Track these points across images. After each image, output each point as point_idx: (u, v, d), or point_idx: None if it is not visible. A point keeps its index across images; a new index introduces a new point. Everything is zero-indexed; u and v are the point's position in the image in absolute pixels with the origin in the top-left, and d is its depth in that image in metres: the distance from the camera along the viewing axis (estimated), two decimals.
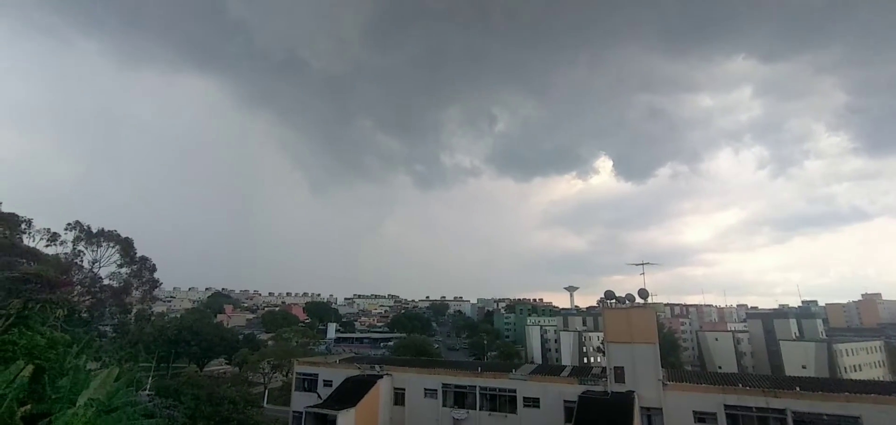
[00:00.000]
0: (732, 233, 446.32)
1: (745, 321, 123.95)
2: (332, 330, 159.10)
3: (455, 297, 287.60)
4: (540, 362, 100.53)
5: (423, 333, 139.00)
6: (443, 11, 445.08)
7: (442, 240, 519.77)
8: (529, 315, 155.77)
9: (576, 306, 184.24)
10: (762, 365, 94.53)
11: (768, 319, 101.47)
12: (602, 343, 43.74)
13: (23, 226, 44.46)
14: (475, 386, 30.80)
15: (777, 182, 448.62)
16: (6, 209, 43.60)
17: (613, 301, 29.82)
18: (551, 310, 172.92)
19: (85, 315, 47.18)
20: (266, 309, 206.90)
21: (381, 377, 32.37)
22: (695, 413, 25.03)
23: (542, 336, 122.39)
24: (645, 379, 26.38)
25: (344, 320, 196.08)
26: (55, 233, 46.62)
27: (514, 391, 29.56)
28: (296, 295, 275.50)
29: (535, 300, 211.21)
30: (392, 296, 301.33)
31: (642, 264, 31.75)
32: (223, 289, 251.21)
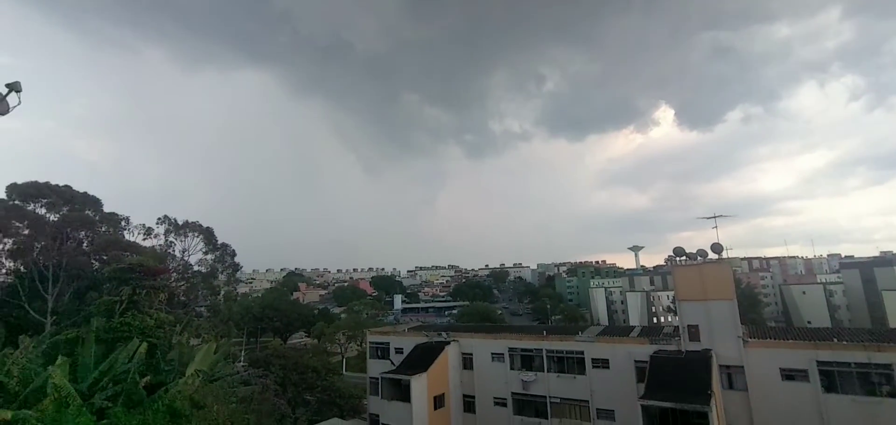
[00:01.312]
0: (819, 178, 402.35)
1: (838, 272, 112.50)
2: (398, 301, 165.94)
3: (514, 264, 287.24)
4: (606, 324, 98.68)
5: (484, 301, 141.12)
6: None
7: (497, 208, 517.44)
8: (593, 277, 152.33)
9: (642, 266, 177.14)
10: (861, 318, 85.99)
11: (867, 268, 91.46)
12: (673, 302, 42.13)
13: (122, 223, 50.44)
14: (541, 350, 31.14)
15: (874, 114, 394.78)
16: (107, 209, 49.72)
17: (683, 258, 28.51)
18: (616, 272, 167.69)
19: (182, 298, 53.06)
20: (336, 285, 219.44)
21: (448, 343, 33.66)
22: (782, 371, 23.64)
23: (607, 298, 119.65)
24: (722, 337, 25.26)
25: (408, 291, 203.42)
26: (149, 228, 52.34)
27: (582, 353, 29.55)
28: (361, 270, 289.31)
29: (597, 262, 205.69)
30: (452, 266, 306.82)
31: (713, 217, 29.89)
32: (296, 268, 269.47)
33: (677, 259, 28.66)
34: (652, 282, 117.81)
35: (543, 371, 30.70)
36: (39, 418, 17.42)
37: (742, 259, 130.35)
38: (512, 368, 31.92)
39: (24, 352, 24.16)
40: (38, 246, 40.15)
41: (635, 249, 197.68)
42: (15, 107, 5.31)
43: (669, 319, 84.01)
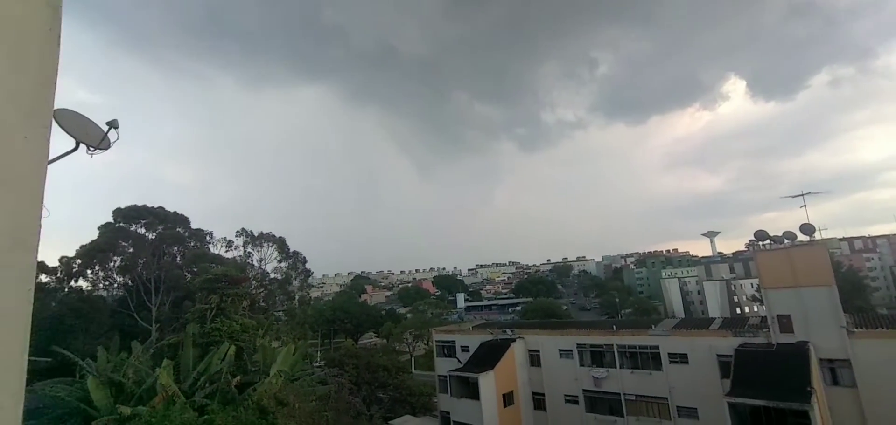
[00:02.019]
0: None
1: None
2: (461, 299, 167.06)
3: (578, 257, 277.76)
4: (682, 316, 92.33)
5: (548, 296, 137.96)
6: None
7: (556, 201, 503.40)
8: (664, 267, 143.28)
9: (719, 253, 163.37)
10: None
11: None
12: (758, 290, 38.50)
13: (207, 237, 55.49)
14: (612, 345, 29.87)
15: None
16: (193, 226, 54.93)
17: (767, 241, 25.96)
18: (689, 260, 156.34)
19: (262, 304, 57.32)
20: (400, 286, 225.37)
21: (513, 340, 33.35)
22: None
23: (681, 289, 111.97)
24: (821, 327, 22.68)
25: (470, 290, 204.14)
26: (230, 241, 57.04)
27: (657, 347, 27.93)
28: (423, 270, 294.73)
29: (668, 251, 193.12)
30: (513, 263, 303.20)
31: (801, 195, 26.90)
32: (362, 271, 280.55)
33: (760, 243, 26.17)
34: (732, 270, 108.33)
35: (615, 367, 29.42)
36: (152, 414, 19.69)
37: (841, 239, 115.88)
38: (581, 365, 30.93)
39: (137, 357, 27.44)
40: (141, 261, 45.32)
41: (711, 235, 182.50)
42: (115, 142, 5.98)
43: (755, 309, 76.84)
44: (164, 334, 38.89)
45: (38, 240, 1.28)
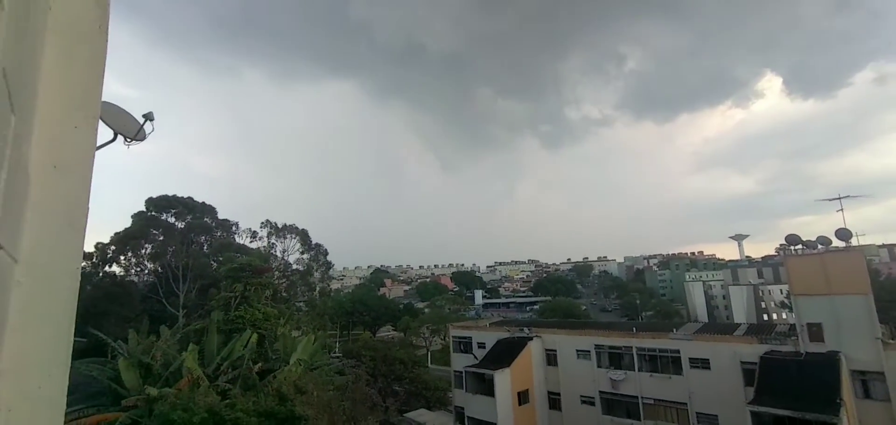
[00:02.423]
0: None
1: None
2: (478, 296, 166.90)
3: (599, 257, 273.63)
4: (705, 321, 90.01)
5: (567, 296, 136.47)
6: None
7: (579, 199, 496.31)
8: (688, 270, 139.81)
9: (747, 257, 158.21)
10: None
11: None
12: (787, 297, 37.25)
13: (233, 228, 57.09)
14: (631, 347, 29.40)
15: None
16: (220, 216, 56.53)
17: (799, 246, 25.04)
18: (715, 264, 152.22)
19: (284, 294, 58.69)
20: (418, 280, 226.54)
21: (530, 339, 33.20)
22: None
23: (706, 292, 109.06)
24: (855, 338, 21.78)
25: (488, 287, 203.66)
26: (255, 232, 58.55)
27: (678, 351, 27.36)
28: (442, 266, 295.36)
29: (693, 253, 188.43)
30: (532, 261, 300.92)
31: (838, 198, 25.82)
32: (381, 265, 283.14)
33: (791, 248, 25.27)
34: (760, 275, 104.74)
35: (634, 369, 28.96)
36: (177, 395, 20.45)
37: (880, 246, 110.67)
38: (599, 366, 30.56)
39: (164, 341, 28.52)
40: (171, 249, 46.92)
41: (738, 238, 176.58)
42: (150, 133, 6.19)
43: (784, 317, 74.27)
44: (190, 320, 40.26)
45: (86, 222, 1.38)
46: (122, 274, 48.12)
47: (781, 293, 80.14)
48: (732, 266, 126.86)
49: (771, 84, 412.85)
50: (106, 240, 46.49)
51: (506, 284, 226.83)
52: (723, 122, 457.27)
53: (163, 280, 44.78)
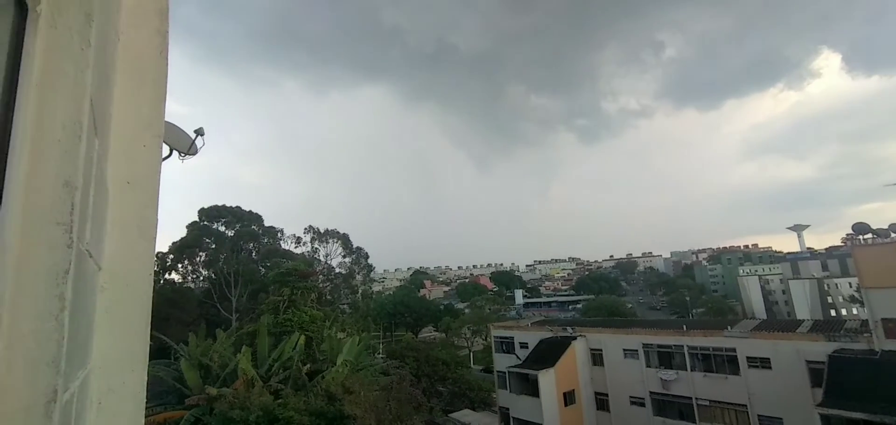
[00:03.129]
0: None
1: None
2: (519, 295, 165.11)
3: (643, 253, 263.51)
4: (763, 317, 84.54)
5: (611, 294, 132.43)
6: None
7: (619, 194, 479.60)
8: (741, 264, 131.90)
9: (808, 248, 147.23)
10: None
11: None
12: (857, 290, 34.42)
13: (279, 234, 59.53)
14: (682, 346, 28.10)
15: None
16: (266, 223, 59.12)
17: (869, 236, 23.04)
18: (772, 256, 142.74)
19: (328, 297, 60.56)
20: (458, 281, 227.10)
21: (574, 338, 32.47)
22: None
23: (763, 287, 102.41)
24: None
25: (528, 286, 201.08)
26: (299, 237, 60.84)
27: (734, 350, 25.87)
28: (481, 266, 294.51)
29: (746, 246, 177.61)
30: (573, 259, 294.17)
31: None
32: (421, 266, 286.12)
33: (860, 238, 23.29)
34: (824, 268, 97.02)
35: (686, 369, 27.66)
36: (234, 395, 21.58)
37: None
38: (648, 366, 29.43)
39: (220, 343, 30.19)
40: (222, 257, 49.62)
41: (798, 229, 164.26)
42: (201, 147, 6.52)
43: (855, 312, 68.54)
44: (242, 323, 42.35)
45: (156, 232, 1.51)
46: (180, 281, 51.38)
47: (850, 286, 74.00)
48: (792, 258, 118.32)
49: (828, 62, 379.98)
50: (165, 250, 49.78)
51: (546, 283, 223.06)
52: (774, 106, 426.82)
53: (216, 286, 47.41)
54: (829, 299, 79.09)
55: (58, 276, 0.68)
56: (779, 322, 37.98)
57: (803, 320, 35.25)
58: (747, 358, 25.24)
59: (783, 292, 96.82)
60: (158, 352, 34.10)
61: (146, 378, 1.53)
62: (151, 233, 1.50)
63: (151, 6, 1.39)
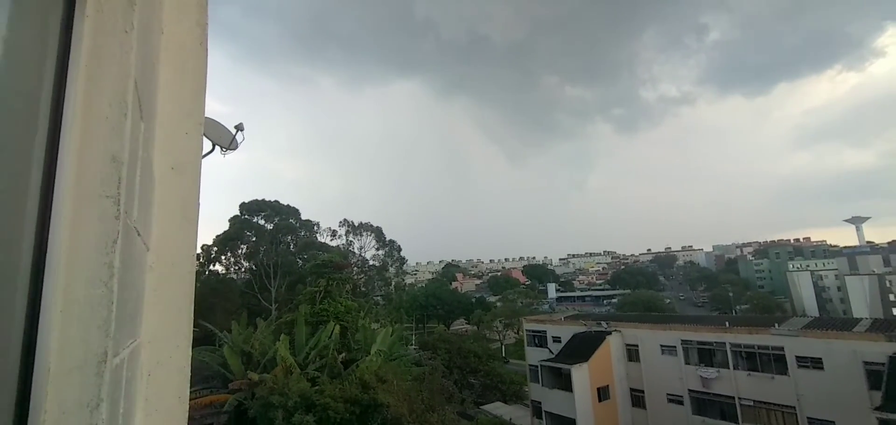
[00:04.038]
0: None
1: None
2: (552, 289, 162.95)
3: (683, 247, 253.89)
4: (815, 315, 79.60)
5: (648, 288, 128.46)
6: None
7: (658, 185, 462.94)
8: (791, 259, 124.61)
9: (867, 242, 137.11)
10: None
11: None
12: None
13: (315, 227, 61.28)
14: (724, 343, 26.92)
15: None
16: (303, 217, 60.90)
17: None
18: (826, 251, 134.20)
19: (362, 289, 61.90)
20: (489, 274, 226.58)
21: (609, 333, 31.76)
22: None
23: (815, 284, 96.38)
24: None
25: (562, 280, 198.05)
26: (334, 230, 62.50)
27: (782, 349, 24.53)
28: (513, 259, 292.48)
29: (796, 240, 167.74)
30: (608, 252, 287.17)
31: None
32: (452, 259, 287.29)
33: None
34: (887, 263, 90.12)
35: (728, 367, 26.49)
36: (274, 380, 22.50)
37: None
38: (687, 363, 28.40)
39: (261, 331, 31.51)
40: (262, 249, 51.62)
41: (856, 221, 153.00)
42: (241, 143, 6.75)
43: None
44: (281, 313, 43.96)
45: (198, 216, 1.59)
46: (223, 272, 53.85)
47: None
48: (849, 253, 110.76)
49: (893, 40, 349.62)
50: (209, 242, 52.29)
51: (580, 277, 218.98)
52: (832, 89, 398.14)
53: (257, 277, 49.41)
54: (892, 297, 73.52)
55: (107, 245, 0.73)
56: (833, 320, 35.61)
57: (861, 319, 32.93)
58: (797, 357, 23.88)
59: (838, 289, 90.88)
60: (204, 339, 35.94)
61: (190, 354, 1.62)
62: (194, 216, 1.58)
63: None
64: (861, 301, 76.66)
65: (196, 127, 1.54)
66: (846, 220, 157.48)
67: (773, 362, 24.90)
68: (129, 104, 0.76)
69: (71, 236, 0.71)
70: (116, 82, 0.74)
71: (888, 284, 75.34)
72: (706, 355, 27.74)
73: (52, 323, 0.68)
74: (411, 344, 60.35)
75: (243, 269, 55.00)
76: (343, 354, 30.63)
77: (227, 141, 6.59)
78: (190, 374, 1.66)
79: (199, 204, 1.60)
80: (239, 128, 6.84)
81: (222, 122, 6.78)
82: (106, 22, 0.73)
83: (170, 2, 1.40)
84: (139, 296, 1.31)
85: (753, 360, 25.75)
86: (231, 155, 7.04)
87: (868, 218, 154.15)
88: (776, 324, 26.79)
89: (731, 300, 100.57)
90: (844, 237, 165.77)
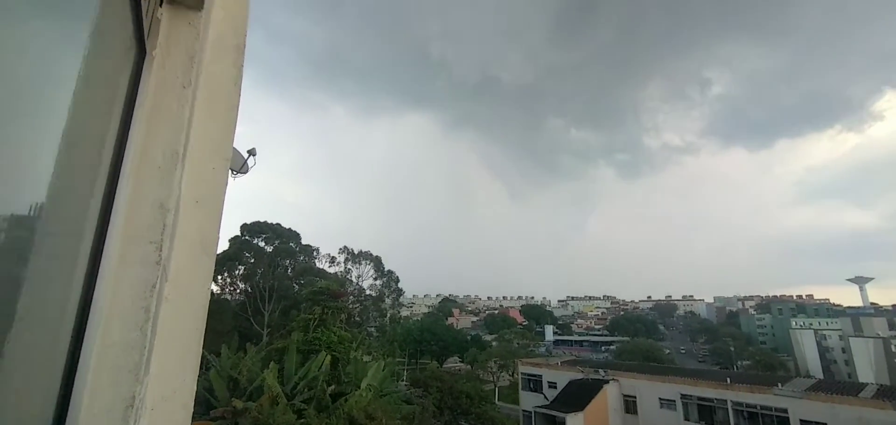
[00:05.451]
0: None
1: None
2: (549, 332, 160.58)
3: (684, 296, 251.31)
4: (819, 377, 77.72)
5: (648, 337, 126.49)
6: None
7: (659, 232, 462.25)
8: (794, 316, 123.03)
9: (872, 303, 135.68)
10: None
11: None
12: None
13: (314, 253, 60.98)
14: (725, 400, 26.26)
15: None
16: (304, 241, 60.74)
17: None
18: (830, 309, 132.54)
19: (357, 319, 60.97)
20: (486, 312, 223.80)
21: (606, 382, 31.07)
22: None
23: (819, 343, 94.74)
24: None
25: (560, 322, 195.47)
26: (333, 257, 62.15)
27: (785, 410, 23.90)
28: (511, 298, 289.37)
29: (799, 296, 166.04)
30: (608, 297, 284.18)
31: None
32: (450, 294, 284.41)
33: None
34: (891, 326, 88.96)
35: None
36: (259, 409, 21.88)
37: None
38: (686, 419, 27.63)
39: (250, 357, 30.89)
40: (260, 272, 51.22)
41: (860, 281, 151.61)
42: (252, 167, 6.80)
43: None
44: (273, 338, 43.17)
45: (216, 249, 1.60)
46: (218, 292, 53.26)
47: None
48: (853, 313, 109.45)
49: (892, 104, 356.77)
50: None
51: (578, 321, 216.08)
52: (832, 149, 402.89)
53: (251, 299, 48.83)
54: None
55: (146, 290, 0.75)
56: (838, 383, 34.75)
57: (867, 384, 32.16)
58: (801, 420, 23.23)
59: (843, 350, 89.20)
60: None
61: (195, 389, 1.59)
62: (213, 250, 1.59)
63: (231, 41, 1.52)
64: (866, 364, 75.14)
65: (223, 162, 1.57)
66: (849, 280, 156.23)
67: (776, 424, 24.20)
68: (180, 155, 0.79)
69: (115, 279, 0.72)
70: (171, 134, 0.77)
71: (893, 349, 74.00)
72: (706, 412, 27.01)
73: (89, 364, 0.69)
74: (403, 380, 58.97)
75: (238, 291, 54.38)
76: (332, 386, 29.88)
77: (238, 164, 6.68)
78: (192, 408, 1.63)
79: (218, 237, 1.62)
80: (251, 152, 6.94)
81: (235, 146, 6.90)
82: (168, 78, 0.77)
83: (211, 43, 1.46)
84: (156, 329, 1.31)
85: (756, 420, 25.03)
86: (241, 177, 7.11)
87: (872, 278, 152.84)
88: (779, 384, 26.17)
89: (732, 355, 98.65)
90: (847, 296, 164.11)
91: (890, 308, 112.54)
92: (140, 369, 0.76)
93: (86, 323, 0.70)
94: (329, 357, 31.39)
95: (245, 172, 6.93)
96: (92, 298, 0.70)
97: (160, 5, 0.73)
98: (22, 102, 0.59)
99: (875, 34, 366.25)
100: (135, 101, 0.72)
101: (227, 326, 46.67)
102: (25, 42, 0.58)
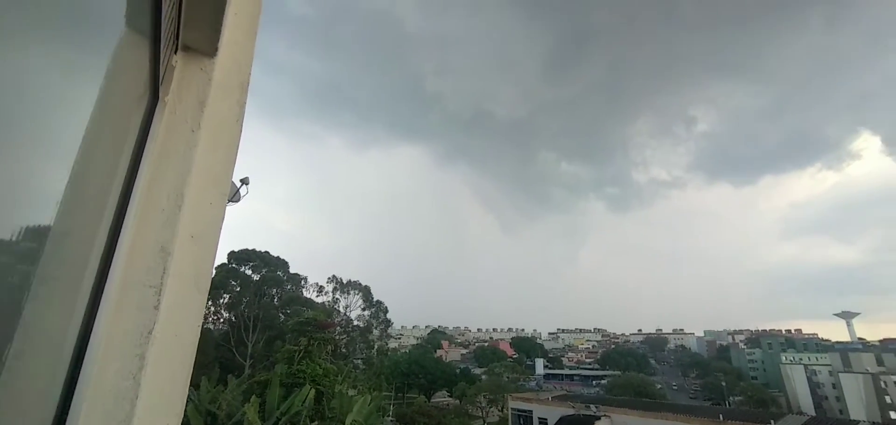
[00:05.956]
0: None
1: None
2: (539, 365, 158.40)
3: (674, 330, 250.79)
4: (811, 413, 77.22)
5: (639, 371, 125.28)
6: (623, 22, 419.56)
7: (649, 265, 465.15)
8: (784, 350, 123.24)
9: (859, 338, 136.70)
10: None
11: None
12: None
13: (302, 282, 60.02)
14: None
15: None
16: (292, 270, 59.85)
17: None
18: (819, 344, 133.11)
19: (343, 350, 59.63)
20: (476, 344, 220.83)
21: (598, 418, 30.53)
22: None
23: (810, 379, 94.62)
24: None
25: (550, 356, 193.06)
26: (321, 286, 61.23)
27: None
28: (501, 330, 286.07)
29: (788, 331, 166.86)
30: (598, 330, 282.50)
31: None
32: (439, 325, 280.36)
33: None
34: (880, 363, 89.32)
35: None
36: None
37: None
38: None
39: (230, 391, 29.86)
40: (245, 301, 50.15)
41: (847, 316, 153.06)
42: (244, 196, 6.75)
43: None
44: (255, 370, 41.91)
45: (209, 285, 1.57)
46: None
47: None
48: (842, 348, 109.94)
49: (868, 144, 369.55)
50: None
51: (569, 354, 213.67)
52: (813, 186, 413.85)
53: (235, 329, 47.59)
54: (888, 398, 72.15)
55: (142, 336, 0.72)
56: (831, 420, 34.55)
57: (859, 421, 32.05)
58: None
59: (833, 386, 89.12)
60: None
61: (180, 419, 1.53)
62: (205, 285, 1.55)
63: (236, 80, 1.53)
64: (857, 400, 75.01)
65: (220, 197, 1.56)
66: (836, 314, 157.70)
67: None
68: (184, 197, 0.78)
69: (112, 324, 0.70)
70: (177, 177, 0.77)
71: (882, 384, 74.15)
72: None
73: (80, 411, 0.67)
74: (389, 416, 57.35)
75: (222, 320, 53.01)
76: (316, 422, 28.90)
77: (231, 193, 6.63)
78: None
79: (212, 272, 1.58)
80: (244, 181, 6.91)
81: None
82: (178, 122, 0.77)
83: (216, 82, 1.47)
84: (141, 370, 1.27)
85: None
86: (233, 206, 7.04)
87: (858, 313, 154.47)
88: (772, 422, 25.99)
89: (724, 390, 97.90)
90: (835, 331, 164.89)
91: (877, 343, 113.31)
92: (131, 419, 0.73)
93: (79, 370, 0.69)
94: (313, 391, 30.48)
95: (237, 201, 6.89)
96: (88, 343, 0.67)
97: (176, 52, 0.74)
98: (36, 141, 0.59)
99: (851, 77, 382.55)
100: (144, 145, 0.72)
101: (208, 357, 45.17)
102: (42, 79, 0.60)
